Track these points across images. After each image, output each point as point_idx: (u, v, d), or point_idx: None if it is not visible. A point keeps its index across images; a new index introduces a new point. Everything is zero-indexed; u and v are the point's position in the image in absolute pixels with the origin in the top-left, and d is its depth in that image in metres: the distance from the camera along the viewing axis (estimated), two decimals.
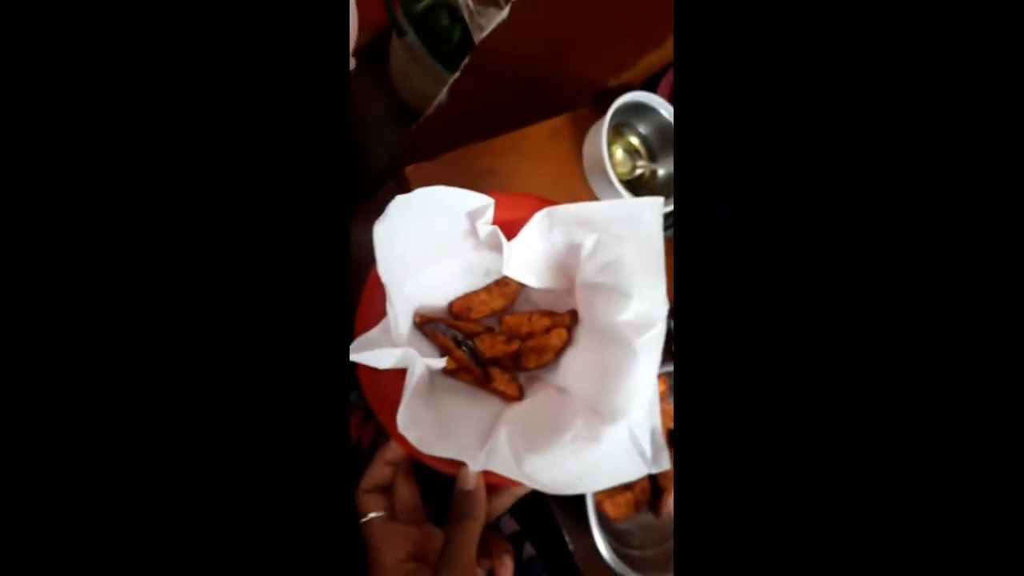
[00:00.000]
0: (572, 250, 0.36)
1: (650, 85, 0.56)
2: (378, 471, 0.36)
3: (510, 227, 0.36)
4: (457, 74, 0.73)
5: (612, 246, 0.34)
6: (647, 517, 0.53)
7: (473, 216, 0.35)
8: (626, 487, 0.51)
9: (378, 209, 0.59)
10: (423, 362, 0.33)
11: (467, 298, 0.38)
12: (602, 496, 0.49)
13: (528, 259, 0.37)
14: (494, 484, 0.33)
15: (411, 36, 0.97)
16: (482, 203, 0.35)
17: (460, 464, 0.32)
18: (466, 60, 0.70)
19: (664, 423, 0.54)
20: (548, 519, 0.48)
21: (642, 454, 0.31)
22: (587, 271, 0.35)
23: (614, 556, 0.45)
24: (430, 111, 0.85)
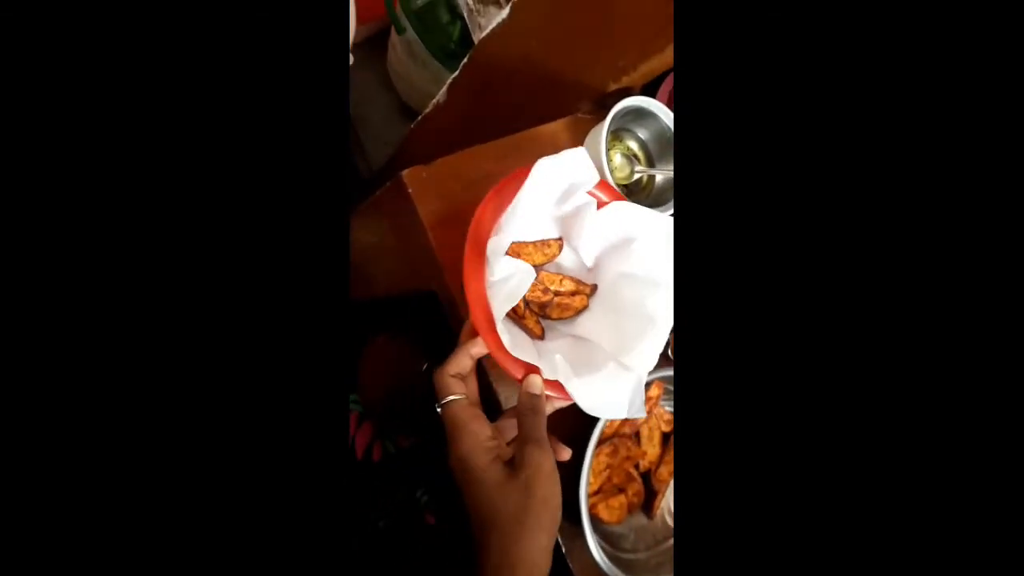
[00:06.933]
0: (621, 241, 0.45)
1: (650, 90, 0.56)
2: (463, 360, 0.40)
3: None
4: (456, 73, 0.73)
5: (651, 246, 0.44)
6: (640, 519, 0.53)
7: (578, 185, 0.43)
8: (620, 490, 0.52)
9: (378, 209, 0.59)
10: (531, 278, 0.43)
11: (521, 245, 0.44)
12: (596, 499, 0.49)
13: (590, 238, 0.46)
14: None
15: (410, 33, 0.97)
16: (592, 177, 0.44)
17: (525, 369, 0.40)
18: (466, 59, 0.70)
19: (659, 426, 0.55)
20: None
21: (631, 402, 0.40)
22: (629, 258, 0.44)
23: (606, 559, 0.45)
24: (428, 110, 0.84)
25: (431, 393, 0.78)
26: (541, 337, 0.45)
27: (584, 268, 0.48)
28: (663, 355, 0.48)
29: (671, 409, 0.55)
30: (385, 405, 0.76)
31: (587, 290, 0.47)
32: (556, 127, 0.54)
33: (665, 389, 0.54)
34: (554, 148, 0.55)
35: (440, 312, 0.51)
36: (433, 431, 0.73)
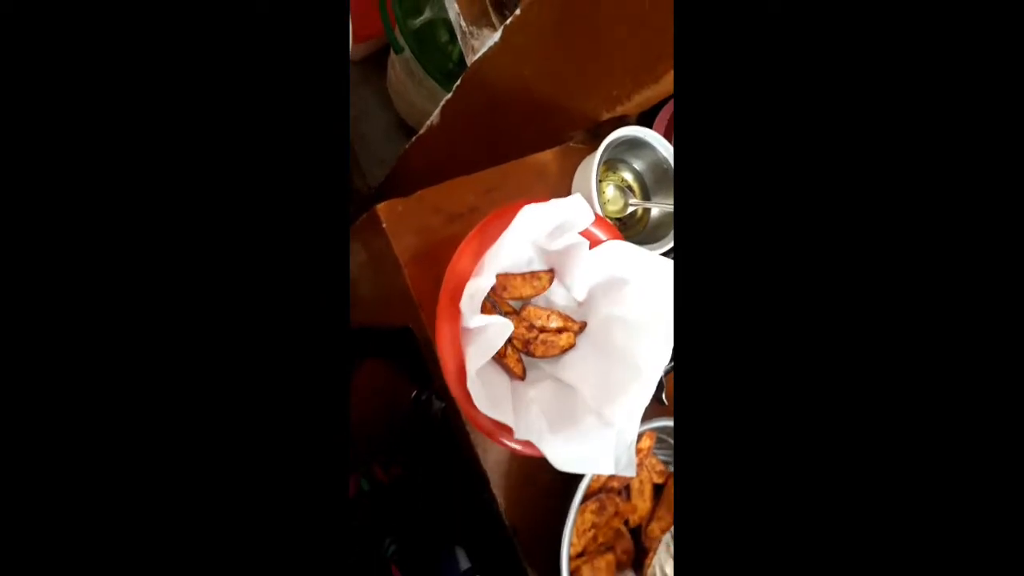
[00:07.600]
0: (614, 281, 0.43)
1: (647, 120, 0.54)
2: None
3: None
4: (449, 95, 0.70)
5: (645, 288, 0.41)
6: None
7: (571, 224, 0.41)
8: (608, 548, 0.48)
9: (356, 239, 0.56)
10: (508, 331, 0.39)
11: (508, 276, 0.42)
12: (580, 562, 0.45)
13: (582, 275, 0.43)
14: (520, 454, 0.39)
15: (407, 52, 0.95)
16: (587, 219, 0.42)
17: (499, 430, 0.38)
18: (458, 82, 0.67)
19: (650, 478, 0.51)
20: None
21: (617, 459, 0.38)
22: (622, 300, 0.42)
23: None
24: (423, 131, 0.82)
25: (418, 420, 0.73)
26: (522, 378, 0.43)
27: (575, 303, 0.46)
28: (656, 402, 0.45)
29: (664, 459, 0.51)
30: (365, 433, 0.73)
31: (575, 327, 0.45)
32: (546, 157, 0.51)
33: (658, 439, 0.50)
34: (543, 179, 0.52)
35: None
36: (418, 460, 0.69)
